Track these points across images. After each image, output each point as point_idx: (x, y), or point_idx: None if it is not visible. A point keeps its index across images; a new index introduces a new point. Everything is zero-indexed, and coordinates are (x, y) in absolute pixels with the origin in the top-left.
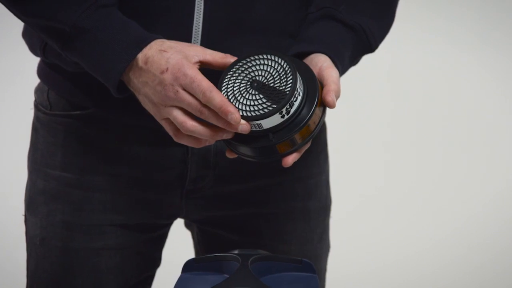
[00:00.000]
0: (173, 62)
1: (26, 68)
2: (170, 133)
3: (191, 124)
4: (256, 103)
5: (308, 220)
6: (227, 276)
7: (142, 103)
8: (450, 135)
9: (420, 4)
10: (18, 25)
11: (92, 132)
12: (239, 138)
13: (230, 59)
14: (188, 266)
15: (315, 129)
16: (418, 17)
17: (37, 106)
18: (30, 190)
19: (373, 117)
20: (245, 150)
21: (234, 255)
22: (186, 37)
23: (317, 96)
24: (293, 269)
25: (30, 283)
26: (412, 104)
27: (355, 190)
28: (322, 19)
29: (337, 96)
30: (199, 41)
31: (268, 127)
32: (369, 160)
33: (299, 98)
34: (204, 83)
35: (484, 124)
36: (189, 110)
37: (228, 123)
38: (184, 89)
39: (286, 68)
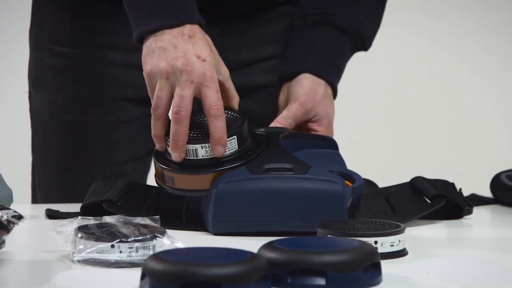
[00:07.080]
0: (210, 62)
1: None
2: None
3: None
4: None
5: None
6: None
7: (153, 52)
8: (448, 135)
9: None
10: (17, 24)
11: (102, 7)
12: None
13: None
14: None
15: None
16: (412, 15)
17: None
18: (35, 67)
19: (369, 116)
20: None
21: (262, 132)
22: None
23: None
24: (317, 146)
25: (37, 157)
26: (409, 103)
27: None
28: (320, 25)
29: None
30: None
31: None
32: (365, 159)
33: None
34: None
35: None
36: (208, 93)
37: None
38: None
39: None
